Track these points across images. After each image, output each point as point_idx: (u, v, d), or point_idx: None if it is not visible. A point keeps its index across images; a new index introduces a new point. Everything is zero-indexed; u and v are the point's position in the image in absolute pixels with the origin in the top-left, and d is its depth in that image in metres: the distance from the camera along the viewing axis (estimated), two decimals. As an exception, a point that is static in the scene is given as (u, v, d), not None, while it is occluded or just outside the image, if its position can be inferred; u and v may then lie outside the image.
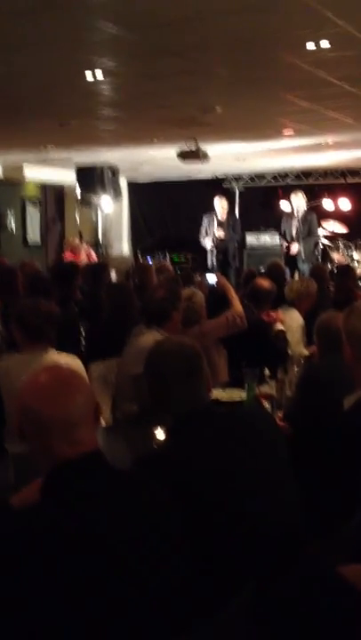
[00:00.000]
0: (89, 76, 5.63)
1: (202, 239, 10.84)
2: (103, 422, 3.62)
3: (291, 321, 5.09)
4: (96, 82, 5.86)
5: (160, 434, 2.73)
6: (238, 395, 3.66)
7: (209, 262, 10.80)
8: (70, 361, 3.29)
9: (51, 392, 1.56)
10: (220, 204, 10.81)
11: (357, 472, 2.11)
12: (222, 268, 10.36)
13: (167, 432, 2.06)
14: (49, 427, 1.53)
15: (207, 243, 10.72)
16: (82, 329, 5.25)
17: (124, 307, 4.77)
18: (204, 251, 11.02)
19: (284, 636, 1.52)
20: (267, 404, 3.40)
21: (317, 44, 4.77)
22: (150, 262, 10.71)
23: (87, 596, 1.36)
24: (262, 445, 1.95)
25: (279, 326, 4.71)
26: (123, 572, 1.40)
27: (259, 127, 8.13)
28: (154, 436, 2.79)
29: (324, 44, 4.76)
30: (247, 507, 1.80)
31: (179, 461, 1.82)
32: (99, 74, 5.59)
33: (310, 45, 4.80)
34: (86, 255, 10.44)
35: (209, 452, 1.84)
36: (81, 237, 11.32)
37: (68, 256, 10.20)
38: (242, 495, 1.80)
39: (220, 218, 10.73)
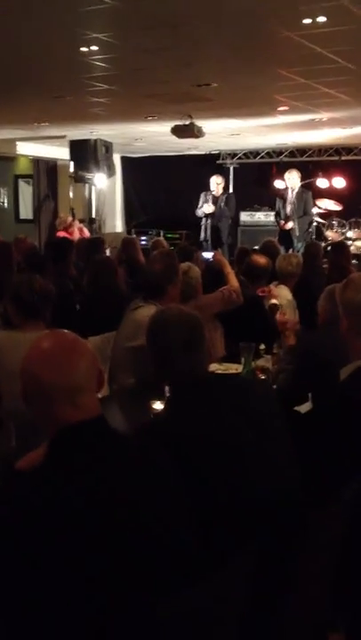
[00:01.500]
0: (83, 49, 5.59)
1: (198, 211, 10.85)
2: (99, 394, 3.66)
3: (280, 298, 5.12)
4: (90, 55, 5.82)
5: (157, 405, 2.76)
6: (234, 368, 3.69)
7: (202, 236, 10.81)
8: None
9: (54, 357, 1.58)
10: (215, 181, 10.82)
11: (353, 442, 2.15)
12: (216, 245, 10.37)
13: (167, 401, 2.08)
14: (52, 392, 1.55)
15: (205, 208, 10.71)
16: (76, 305, 5.27)
17: (106, 281, 4.81)
18: (197, 228, 11.02)
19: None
20: (263, 377, 3.43)
21: (313, 19, 4.75)
22: (143, 238, 10.72)
23: (88, 560, 1.39)
24: (260, 414, 1.98)
25: (273, 301, 4.74)
26: (124, 535, 1.43)
27: (253, 103, 8.09)
28: (151, 407, 2.83)
29: (321, 18, 4.73)
30: (246, 474, 1.83)
31: (178, 429, 1.84)
32: (93, 47, 5.55)
33: (306, 20, 4.78)
34: (79, 232, 10.40)
35: (208, 420, 1.87)
36: (73, 214, 11.27)
37: (61, 234, 10.16)
38: (240, 462, 1.83)
39: (214, 194, 10.73)
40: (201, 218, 10.89)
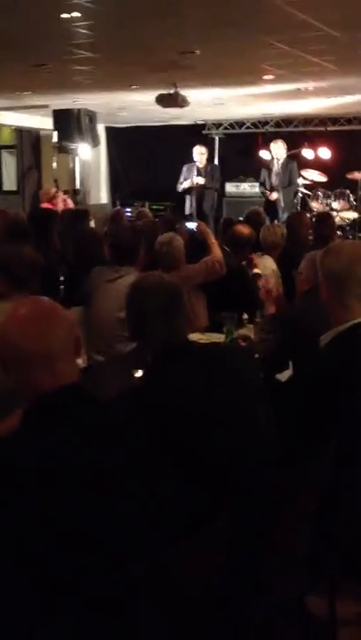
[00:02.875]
0: (64, 15, 5.49)
1: (178, 185, 10.74)
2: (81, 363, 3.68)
3: (264, 268, 5.14)
4: (72, 22, 5.71)
5: (139, 373, 2.78)
6: (217, 338, 3.72)
7: (187, 210, 10.74)
8: None
9: (31, 325, 1.58)
10: (198, 152, 10.71)
11: (332, 407, 2.18)
12: (201, 216, 10.32)
13: (145, 368, 2.10)
14: (30, 359, 1.55)
15: (185, 183, 10.60)
16: (60, 276, 5.25)
17: (91, 253, 4.81)
18: (183, 199, 10.94)
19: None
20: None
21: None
22: (128, 209, 10.64)
23: (66, 523, 1.40)
24: (239, 378, 2.00)
25: (256, 270, 4.75)
26: (100, 497, 1.44)
27: (238, 72, 8.00)
28: (132, 376, 2.84)
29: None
30: (223, 437, 1.85)
31: (153, 395, 1.86)
32: (75, 13, 5.45)
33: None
34: (63, 204, 10.31)
35: (184, 386, 1.88)
36: (57, 185, 11.15)
37: (45, 206, 10.05)
38: (219, 426, 1.85)
39: (199, 165, 10.63)
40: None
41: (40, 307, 1.65)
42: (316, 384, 2.23)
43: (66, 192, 11.06)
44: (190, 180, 10.58)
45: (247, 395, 1.98)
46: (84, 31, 6.07)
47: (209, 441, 1.82)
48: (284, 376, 2.45)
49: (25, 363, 1.56)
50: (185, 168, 10.73)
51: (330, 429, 2.07)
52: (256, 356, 3.26)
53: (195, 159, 10.68)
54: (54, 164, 11.13)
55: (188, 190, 10.60)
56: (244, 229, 5.16)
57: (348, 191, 10.86)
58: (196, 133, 12.64)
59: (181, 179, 10.72)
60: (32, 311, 1.62)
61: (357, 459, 2.14)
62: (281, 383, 2.46)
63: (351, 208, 10.87)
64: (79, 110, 10.01)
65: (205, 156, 10.79)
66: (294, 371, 2.49)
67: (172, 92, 8.47)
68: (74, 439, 1.48)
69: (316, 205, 10.88)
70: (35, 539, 1.39)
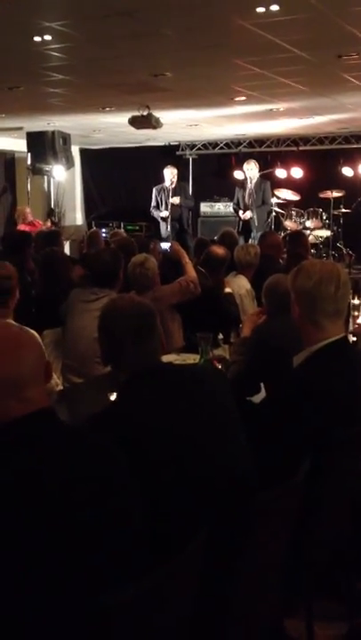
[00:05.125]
0: (37, 38, 5.51)
1: (153, 211, 10.76)
2: (59, 386, 3.65)
3: (239, 288, 5.16)
4: (44, 45, 5.74)
5: (113, 396, 2.76)
6: (192, 359, 3.71)
7: (163, 231, 10.77)
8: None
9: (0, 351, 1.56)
10: (169, 173, 10.75)
11: (304, 427, 2.18)
12: (178, 236, 10.35)
13: (118, 391, 2.09)
14: None
15: (161, 214, 10.64)
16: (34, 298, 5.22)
17: (54, 274, 4.81)
18: (157, 219, 10.97)
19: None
20: (220, 367, 3.45)
21: (267, 8, 4.76)
22: (103, 230, 10.62)
23: (29, 552, 1.37)
24: (212, 400, 1.99)
25: (227, 290, 4.77)
26: (69, 527, 1.42)
27: (211, 94, 8.08)
28: (108, 398, 2.82)
29: (274, 7, 4.74)
30: (196, 459, 1.84)
31: (123, 416, 1.85)
32: (47, 37, 5.48)
33: (260, 9, 4.78)
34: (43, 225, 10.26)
35: (155, 406, 1.87)
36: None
37: (22, 228, 9.99)
38: (191, 448, 1.84)
39: (170, 186, 10.66)
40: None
41: (8, 333, 1.62)
42: (290, 404, 2.23)
43: (50, 215, 11.05)
44: (164, 205, 10.58)
45: (220, 416, 1.97)
46: (56, 54, 6.10)
47: (180, 463, 1.80)
48: (257, 398, 2.44)
49: None
50: (155, 191, 10.75)
51: (304, 450, 2.07)
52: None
53: (165, 181, 10.72)
54: (28, 186, 11.10)
55: (165, 218, 10.63)
56: (219, 250, 5.19)
57: (320, 210, 10.99)
58: (170, 154, 12.72)
59: (154, 202, 10.75)
60: (0, 337, 1.60)
61: (330, 480, 2.13)
62: (255, 405, 2.46)
63: (324, 226, 11.00)
64: (53, 132, 10.04)
65: (176, 177, 10.82)
66: (267, 392, 2.49)
67: (145, 113, 8.52)
68: (43, 465, 1.46)
69: (289, 224, 10.98)
70: (8, 558, 1.37)
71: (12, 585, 1.37)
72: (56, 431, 1.56)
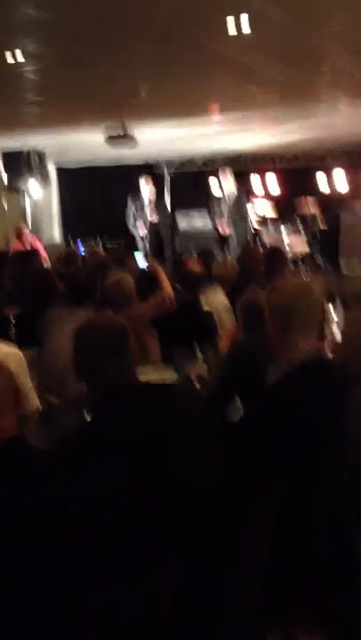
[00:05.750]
0: (9, 58, 5.52)
1: (130, 227, 10.78)
2: (38, 407, 3.62)
3: (217, 302, 5.18)
4: (17, 65, 5.74)
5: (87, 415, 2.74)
6: (170, 376, 3.70)
7: (140, 247, 10.78)
8: (14, 351, 3.26)
9: None
10: (146, 186, 10.77)
11: (283, 443, 2.18)
12: (156, 253, 10.38)
13: (91, 408, 2.08)
14: None
15: (138, 230, 10.67)
16: (11, 317, 5.19)
17: (44, 293, 4.78)
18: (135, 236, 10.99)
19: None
20: (197, 384, 3.45)
21: (238, 29, 4.80)
22: (82, 248, 10.62)
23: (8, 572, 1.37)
24: (185, 418, 1.99)
25: (206, 308, 4.80)
26: (39, 545, 1.41)
27: (186, 111, 8.14)
28: (84, 417, 2.80)
29: (245, 28, 4.79)
30: (163, 478, 1.83)
31: (96, 433, 1.84)
32: (19, 56, 5.48)
33: (232, 30, 4.83)
34: (32, 243, 10.22)
35: (127, 423, 1.87)
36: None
37: (15, 244, 9.93)
38: (162, 465, 1.83)
39: (147, 200, 10.69)
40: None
41: None
42: (267, 421, 2.23)
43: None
44: (142, 220, 10.61)
45: (192, 435, 1.97)
46: (29, 74, 6.11)
47: (153, 480, 1.80)
48: (233, 415, 2.44)
49: None
50: (131, 206, 10.75)
51: (281, 466, 2.07)
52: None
53: (142, 194, 10.71)
54: (5, 205, 11.08)
55: (143, 237, 10.66)
56: (195, 266, 5.21)
57: (300, 226, 11.08)
58: (148, 172, 12.77)
59: (130, 215, 10.73)
60: None
61: (309, 498, 2.13)
62: (232, 423, 2.46)
63: (303, 242, 11.08)
64: (29, 151, 10.04)
65: (154, 192, 10.84)
66: (243, 406, 2.49)
67: (121, 132, 8.56)
68: (13, 488, 1.45)
69: (268, 239, 11.06)
70: None
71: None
72: (27, 456, 1.55)
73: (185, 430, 1.95)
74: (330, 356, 3.67)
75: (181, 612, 1.61)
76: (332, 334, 4.41)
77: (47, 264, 8.00)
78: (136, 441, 1.83)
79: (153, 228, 10.69)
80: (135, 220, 10.71)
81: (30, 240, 10.22)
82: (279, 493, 1.99)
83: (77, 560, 1.45)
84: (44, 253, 9.29)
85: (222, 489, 1.94)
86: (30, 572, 1.38)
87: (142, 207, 10.63)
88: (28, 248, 9.68)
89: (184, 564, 1.59)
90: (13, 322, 5.11)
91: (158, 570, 1.52)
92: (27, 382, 3.27)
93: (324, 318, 2.48)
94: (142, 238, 10.66)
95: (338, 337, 4.49)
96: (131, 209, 10.70)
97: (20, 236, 10.07)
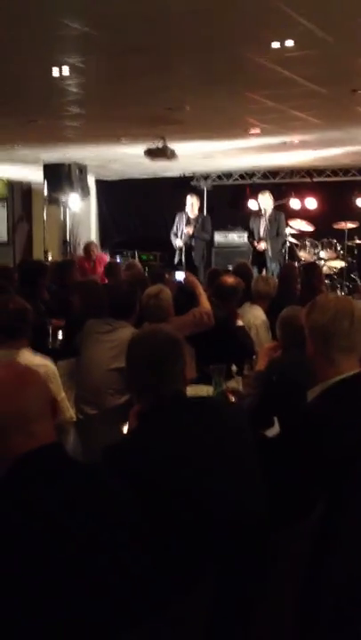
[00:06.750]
0: (56, 73, 5.62)
1: (173, 238, 10.82)
2: (73, 417, 3.65)
3: (255, 318, 5.15)
4: (63, 79, 5.84)
5: (126, 429, 2.75)
6: (205, 390, 3.70)
7: (176, 260, 10.81)
8: (43, 362, 3.30)
9: (4, 388, 1.59)
10: (190, 202, 10.82)
11: (320, 464, 2.15)
12: (190, 266, 10.38)
13: (137, 421, 2.08)
14: (5, 423, 1.55)
15: (178, 242, 10.72)
16: (49, 328, 5.24)
17: (95, 305, 4.79)
18: (172, 249, 11.02)
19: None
20: (233, 399, 3.44)
21: (282, 43, 4.82)
22: (119, 261, 10.68)
23: (38, 593, 1.37)
24: (230, 433, 1.98)
25: (239, 323, 4.76)
26: (77, 564, 1.41)
27: (226, 126, 8.17)
28: (121, 430, 2.81)
29: (289, 42, 4.81)
30: (213, 492, 1.82)
31: (144, 448, 1.84)
32: (65, 71, 5.58)
33: (275, 44, 4.85)
34: (98, 262, 10.17)
35: (175, 438, 1.87)
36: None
37: (80, 260, 9.89)
38: (208, 481, 1.83)
39: (190, 215, 10.74)
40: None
41: (13, 370, 1.67)
42: (303, 440, 2.21)
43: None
44: (180, 233, 10.65)
45: (238, 452, 1.96)
46: (74, 88, 6.21)
47: (195, 499, 1.79)
48: (270, 433, 2.42)
49: (1, 426, 1.55)
50: (177, 217, 10.83)
51: (318, 487, 2.04)
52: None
53: (186, 208, 10.78)
54: (45, 216, 11.24)
55: (179, 247, 10.69)
56: (230, 279, 5.18)
57: (335, 240, 11.01)
58: (185, 185, 12.83)
59: (175, 228, 10.81)
60: (4, 375, 1.63)
61: (346, 519, 2.10)
62: (269, 439, 2.44)
63: (338, 257, 10.99)
64: (70, 164, 10.17)
65: (197, 206, 10.90)
66: (281, 427, 2.47)
67: (160, 145, 8.62)
68: (52, 502, 1.46)
69: (303, 255, 11.00)
70: (10, 600, 1.36)
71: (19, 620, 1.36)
72: (65, 465, 1.57)
73: (231, 447, 1.94)
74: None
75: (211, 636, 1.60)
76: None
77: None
78: (179, 459, 1.83)
79: (189, 242, 10.70)
80: (177, 230, 10.75)
81: (98, 256, 10.21)
82: (317, 514, 1.96)
83: (112, 584, 1.44)
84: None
85: (263, 509, 1.92)
86: (61, 592, 1.38)
87: (187, 222, 10.67)
88: (96, 265, 9.69)
89: (219, 588, 1.58)
90: (51, 333, 5.17)
91: (193, 598, 1.51)
92: (58, 392, 3.30)
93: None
94: (180, 251, 10.69)
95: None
96: (176, 223, 10.74)
97: (88, 252, 10.07)
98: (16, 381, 1.60)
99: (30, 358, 3.24)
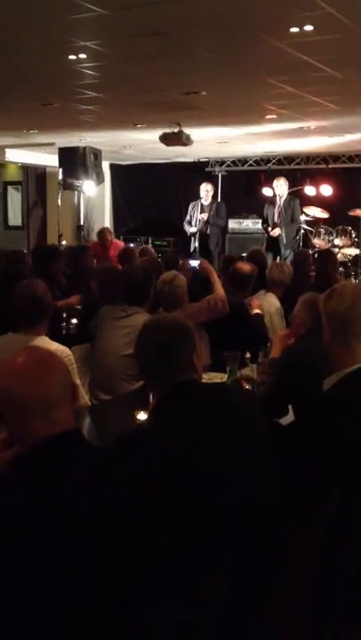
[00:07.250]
0: (72, 57, 5.59)
1: (186, 226, 10.77)
2: (87, 402, 3.66)
3: (269, 305, 5.13)
4: (78, 63, 5.82)
5: (141, 415, 2.75)
6: (219, 377, 3.69)
7: (191, 247, 10.78)
8: (58, 347, 3.30)
9: (27, 373, 1.59)
10: (204, 189, 10.78)
11: (335, 451, 2.15)
12: (205, 253, 10.35)
13: (150, 410, 2.08)
14: (26, 407, 1.56)
15: (190, 229, 10.68)
16: (64, 313, 5.25)
17: (114, 290, 4.80)
18: (185, 235, 10.99)
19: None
20: (247, 387, 3.43)
21: (301, 28, 4.77)
22: (132, 246, 10.62)
23: (56, 575, 1.38)
24: (243, 420, 1.98)
25: (256, 311, 4.74)
26: (97, 550, 1.42)
27: (242, 111, 8.12)
28: (135, 417, 2.81)
29: (308, 27, 4.75)
30: (226, 480, 1.82)
31: (156, 436, 1.84)
32: (82, 55, 5.55)
33: (294, 29, 4.80)
34: (113, 248, 9.95)
35: (187, 426, 1.87)
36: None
37: (94, 245, 9.61)
38: (221, 469, 1.83)
39: (204, 202, 10.70)
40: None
41: (36, 355, 1.66)
42: (319, 428, 2.20)
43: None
44: (195, 220, 10.60)
45: (252, 439, 1.96)
46: (90, 72, 6.18)
47: (209, 486, 1.79)
48: (284, 420, 2.42)
49: (21, 410, 1.56)
50: (190, 206, 10.79)
51: (333, 475, 2.04)
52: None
53: (201, 196, 10.74)
54: (59, 201, 11.23)
55: (193, 234, 10.65)
56: (245, 266, 5.15)
57: (350, 228, 10.92)
58: (200, 171, 12.77)
59: (188, 217, 10.77)
60: (28, 360, 1.63)
61: (358, 507, 2.10)
62: (283, 427, 2.43)
63: (353, 244, 10.91)
64: (84, 148, 10.14)
65: (211, 194, 10.84)
66: (296, 415, 2.46)
67: (176, 130, 8.58)
68: (70, 487, 1.46)
69: (318, 242, 10.93)
70: (31, 583, 1.37)
71: (39, 602, 1.37)
72: (84, 450, 1.57)
73: (244, 434, 1.94)
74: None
75: (228, 623, 1.61)
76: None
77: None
78: (193, 445, 1.83)
79: (203, 228, 10.65)
80: (190, 219, 10.70)
81: (113, 243, 9.96)
82: (331, 501, 1.96)
83: (127, 569, 1.45)
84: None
85: (278, 495, 1.92)
86: (77, 578, 1.38)
87: (197, 206, 10.62)
88: (110, 251, 9.52)
89: (235, 572, 1.59)
90: (65, 317, 5.17)
91: (209, 581, 1.52)
92: (74, 379, 3.31)
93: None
94: (192, 235, 10.65)
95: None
96: (190, 212, 10.68)
97: (103, 239, 9.78)
98: (39, 367, 1.60)
99: (48, 345, 3.24)
